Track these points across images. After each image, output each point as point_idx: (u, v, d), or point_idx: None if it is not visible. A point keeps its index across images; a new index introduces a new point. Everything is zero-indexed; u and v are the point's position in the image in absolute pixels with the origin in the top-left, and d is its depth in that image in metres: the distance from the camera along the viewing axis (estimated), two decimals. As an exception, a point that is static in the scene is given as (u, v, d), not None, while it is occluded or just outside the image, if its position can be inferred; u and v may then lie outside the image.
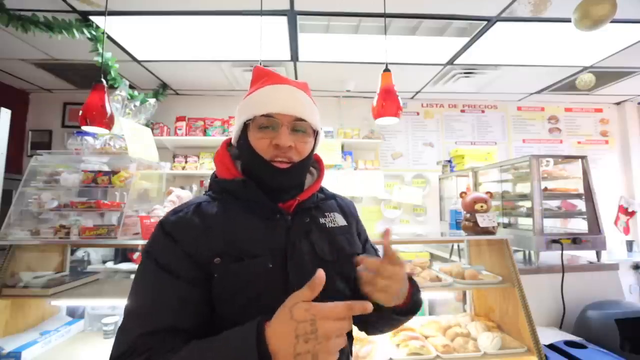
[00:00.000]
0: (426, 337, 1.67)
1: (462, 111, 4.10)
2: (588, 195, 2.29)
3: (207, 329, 0.62)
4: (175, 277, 0.61)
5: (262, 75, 0.76)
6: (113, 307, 1.91)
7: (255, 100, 0.71)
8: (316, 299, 0.52)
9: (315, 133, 0.76)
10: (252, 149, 0.70)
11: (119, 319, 1.78)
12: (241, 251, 0.64)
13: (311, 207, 0.75)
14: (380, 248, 0.75)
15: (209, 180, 0.79)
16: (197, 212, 0.68)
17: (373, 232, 3.74)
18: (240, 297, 0.62)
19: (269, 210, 0.70)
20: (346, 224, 0.80)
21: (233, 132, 0.76)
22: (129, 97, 2.26)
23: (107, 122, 1.82)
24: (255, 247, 0.65)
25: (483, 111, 4.11)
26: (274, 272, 0.64)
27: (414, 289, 0.72)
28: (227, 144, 0.79)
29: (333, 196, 0.86)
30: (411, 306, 0.71)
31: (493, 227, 1.76)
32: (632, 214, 3.67)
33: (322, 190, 0.83)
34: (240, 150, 0.74)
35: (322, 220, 0.75)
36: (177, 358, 0.53)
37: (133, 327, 0.58)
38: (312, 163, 0.81)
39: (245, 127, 0.72)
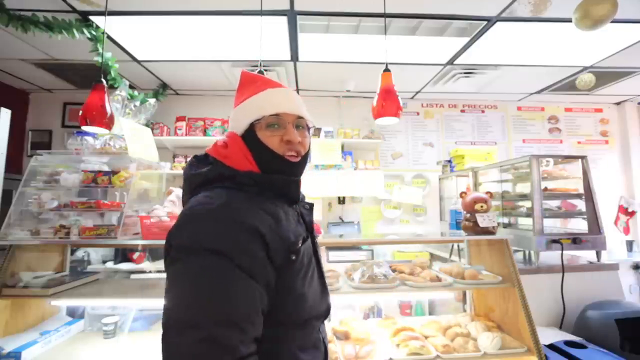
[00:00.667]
0: (426, 337, 1.67)
1: (462, 111, 4.10)
2: (588, 195, 2.29)
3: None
4: (256, 281, 0.60)
5: (254, 79, 0.83)
6: (113, 307, 1.91)
7: (260, 102, 0.76)
8: (314, 262, 0.77)
9: (308, 128, 0.84)
10: (265, 146, 0.75)
11: (118, 318, 1.78)
12: (300, 234, 0.74)
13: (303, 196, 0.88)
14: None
15: (205, 172, 0.74)
16: (250, 202, 0.68)
17: (373, 231, 3.73)
18: (305, 271, 0.72)
19: (291, 202, 0.79)
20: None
21: (235, 129, 0.80)
22: (129, 97, 2.26)
23: (107, 122, 1.82)
24: (302, 232, 0.76)
25: (483, 111, 4.11)
26: (314, 256, 0.79)
27: None
28: (233, 135, 0.79)
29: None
30: None
31: (493, 227, 1.76)
32: (632, 214, 3.67)
33: None
34: (249, 147, 0.76)
35: (307, 206, 0.87)
36: None
37: (231, 336, 0.54)
38: None
39: (251, 127, 0.76)
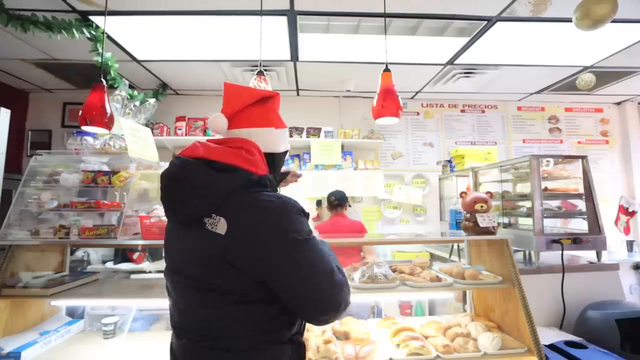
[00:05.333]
0: (426, 337, 1.67)
1: (462, 111, 4.10)
2: (588, 195, 2.29)
3: None
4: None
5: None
6: (113, 307, 1.91)
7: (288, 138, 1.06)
8: None
9: None
10: (282, 166, 1.05)
11: (118, 319, 1.78)
12: None
13: None
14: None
15: (252, 179, 0.86)
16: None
17: (373, 231, 3.73)
18: None
19: None
20: None
21: (281, 145, 1.00)
22: (129, 97, 2.26)
23: (107, 122, 1.81)
24: None
25: (483, 111, 4.11)
26: None
27: None
28: (256, 145, 0.94)
29: None
30: None
31: (493, 227, 1.76)
32: (633, 214, 3.67)
33: None
34: (278, 163, 1.02)
35: None
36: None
37: (336, 265, 0.87)
38: None
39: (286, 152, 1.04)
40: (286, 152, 1.05)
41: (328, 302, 0.79)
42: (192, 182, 0.82)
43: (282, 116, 1.01)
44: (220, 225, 0.78)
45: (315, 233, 0.97)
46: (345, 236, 2.04)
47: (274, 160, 0.98)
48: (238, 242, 0.77)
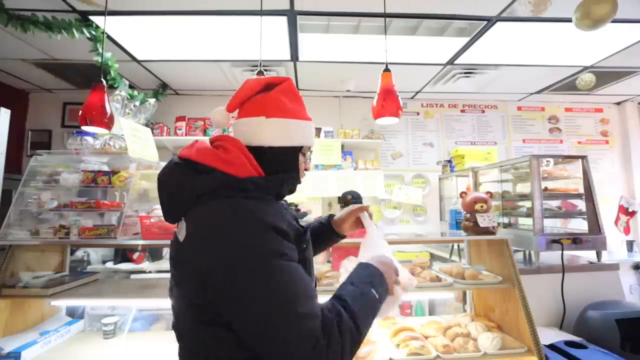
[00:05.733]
0: (426, 337, 1.67)
1: (462, 111, 4.10)
2: (588, 195, 2.29)
3: None
4: (298, 261, 0.72)
5: (299, 99, 0.91)
6: (113, 307, 1.91)
7: (309, 132, 0.90)
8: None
9: None
10: (298, 170, 0.89)
11: (118, 319, 1.78)
12: (300, 234, 0.80)
13: None
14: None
15: (209, 184, 0.74)
16: (266, 205, 0.75)
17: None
18: (308, 265, 0.82)
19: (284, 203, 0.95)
20: None
21: (270, 138, 0.82)
22: (129, 97, 2.26)
23: (107, 122, 1.81)
24: (298, 226, 0.83)
25: (483, 111, 4.11)
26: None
27: None
28: (239, 143, 0.81)
29: None
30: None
31: (493, 227, 1.76)
32: (633, 214, 3.66)
33: None
34: (287, 161, 0.86)
35: None
36: (353, 304, 0.70)
37: (314, 307, 0.65)
38: None
39: (297, 148, 0.87)
40: (288, 148, 0.84)
41: (291, 342, 0.61)
42: (166, 184, 0.77)
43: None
44: (182, 231, 0.72)
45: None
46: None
47: (264, 157, 0.81)
48: (188, 252, 0.70)
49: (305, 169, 0.93)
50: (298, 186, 0.92)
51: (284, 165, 0.84)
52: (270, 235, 0.68)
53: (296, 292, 0.64)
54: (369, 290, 0.74)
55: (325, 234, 1.13)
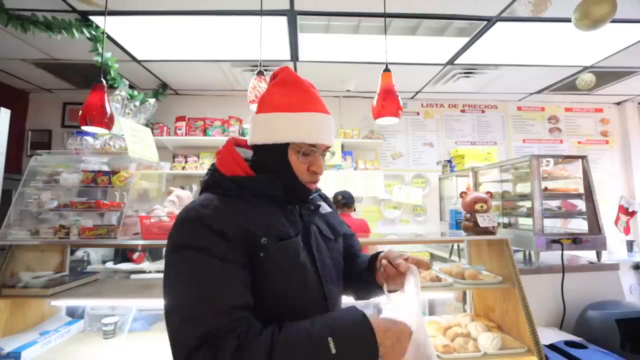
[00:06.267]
0: (426, 337, 1.66)
1: (462, 111, 4.10)
2: (588, 195, 2.29)
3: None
4: (228, 262, 0.65)
5: (301, 87, 0.79)
6: (113, 307, 1.90)
7: (305, 126, 0.76)
8: (331, 272, 0.80)
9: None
10: (291, 169, 0.78)
11: (118, 319, 1.78)
12: (280, 233, 0.73)
13: (309, 200, 0.88)
14: (380, 248, 0.90)
15: (205, 180, 0.81)
16: (226, 204, 0.72)
17: (373, 231, 3.72)
18: (283, 270, 0.71)
19: (285, 203, 0.80)
20: (330, 210, 0.95)
21: (255, 136, 0.80)
22: (129, 97, 2.26)
23: (107, 122, 1.81)
24: (287, 230, 0.75)
25: (483, 111, 4.11)
26: (304, 250, 0.77)
27: None
28: (235, 144, 0.83)
29: (317, 190, 0.97)
30: None
31: (493, 227, 1.76)
32: (633, 214, 3.66)
33: None
34: (274, 160, 0.78)
35: (316, 207, 0.88)
36: (286, 340, 0.58)
37: (203, 313, 0.59)
38: None
39: (285, 145, 0.77)
40: (272, 145, 0.77)
41: (174, 346, 0.60)
42: None
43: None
44: None
45: None
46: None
47: (258, 156, 0.80)
48: None
49: (314, 170, 0.79)
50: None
51: (272, 164, 0.78)
52: (200, 231, 0.66)
53: (192, 290, 0.61)
54: (325, 339, 0.58)
55: (369, 286, 0.88)
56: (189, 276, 0.63)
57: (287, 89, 0.79)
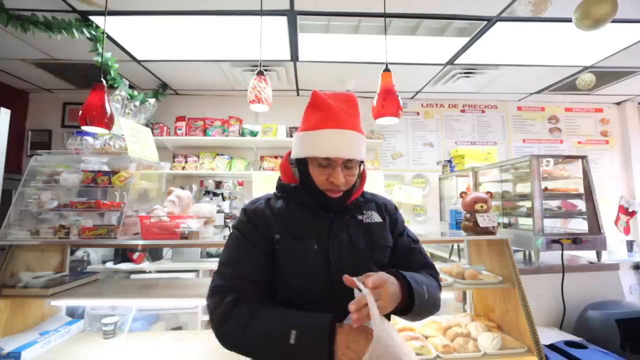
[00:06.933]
0: (426, 337, 1.67)
1: (462, 111, 4.10)
2: (588, 195, 2.29)
3: (270, 286, 0.87)
4: (252, 244, 0.87)
5: (322, 107, 0.90)
6: (113, 307, 1.91)
7: (317, 142, 0.88)
8: (344, 270, 0.79)
9: (360, 162, 0.94)
10: (311, 180, 0.90)
11: (118, 319, 1.78)
12: (295, 233, 0.88)
13: (351, 208, 0.96)
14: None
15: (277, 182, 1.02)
16: (267, 204, 0.94)
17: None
18: (293, 267, 0.85)
19: (317, 210, 0.92)
20: (381, 220, 0.99)
21: (293, 152, 0.95)
22: (129, 97, 2.26)
23: (107, 122, 1.81)
24: (305, 232, 0.88)
25: (483, 111, 4.11)
26: (318, 253, 0.86)
27: (407, 289, 0.81)
28: (289, 155, 0.99)
29: (372, 199, 1.05)
30: (407, 304, 0.81)
31: (493, 227, 1.76)
32: (633, 214, 3.67)
33: (363, 194, 1.03)
34: (300, 172, 0.93)
35: (359, 217, 0.96)
36: (263, 316, 0.76)
37: (227, 272, 0.85)
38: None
39: (305, 159, 0.90)
40: (300, 160, 0.91)
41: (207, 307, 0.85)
42: None
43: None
44: None
45: None
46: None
47: (298, 169, 0.94)
48: None
49: (331, 180, 0.87)
50: None
51: (303, 176, 0.92)
52: (242, 216, 0.93)
53: (228, 254, 0.89)
54: (289, 330, 0.71)
55: None
56: (227, 247, 0.91)
57: (312, 109, 0.92)
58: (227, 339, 0.78)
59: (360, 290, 0.71)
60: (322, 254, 0.86)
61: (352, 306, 0.70)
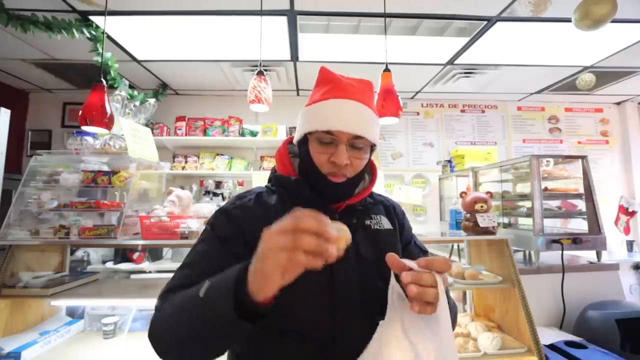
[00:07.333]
0: (426, 337, 1.66)
1: (462, 111, 4.10)
2: (588, 195, 2.29)
3: None
4: (222, 243, 0.71)
5: (328, 80, 0.77)
6: (113, 307, 1.91)
7: (318, 114, 0.72)
8: (355, 296, 0.68)
9: (372, 144, 0.76)
10: (312, 160, 0.73)
11: (118, 319, 1.78)
12: None
13: (358, 210, 0.80)
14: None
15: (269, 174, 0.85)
16: (257, 201, 0.77)
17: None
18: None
19: (318, 209, 0.69)
20: (391, 227, 0.84)
21: (296, 133, 0.80)
22: (129, 97, 2.26)
23: (107, 122, 1.81)
24: None
25: (483, 111, 4.11)
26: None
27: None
28: (289, 142, 0.83)
29: (381, 200, 0.90)
30: None
31: (493, 227, 1.76)
32: (633, 214, 3.67)
33: (371, 195, 0.87)
34: (300, 155, 0.78)
35: (367, 222, 0.80)
36: (180, 293, 0.63)
37: (184, 271, 0.70)
38: (366, 169, 0.80)
39: (306, 136, 0.75)
40: (301, 140, 0.76)
41: None
42: None
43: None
44: None
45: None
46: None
47: (299, 154, 0.78)
48: None
49: (333, 160, 0.70)
50: None
51: (304, 161, 0.76)
52: (218, 215, 0.76)
53: (189, 256, 0.73)
54: (202, 285, 0.57)
55: None
56: (196, 244, 0.76)
57: (318, 86, 0.79)
58: (154, 338, 0.62)
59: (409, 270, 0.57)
60: (324, 266, 0.64)
61: (407, 277, 0.56)
